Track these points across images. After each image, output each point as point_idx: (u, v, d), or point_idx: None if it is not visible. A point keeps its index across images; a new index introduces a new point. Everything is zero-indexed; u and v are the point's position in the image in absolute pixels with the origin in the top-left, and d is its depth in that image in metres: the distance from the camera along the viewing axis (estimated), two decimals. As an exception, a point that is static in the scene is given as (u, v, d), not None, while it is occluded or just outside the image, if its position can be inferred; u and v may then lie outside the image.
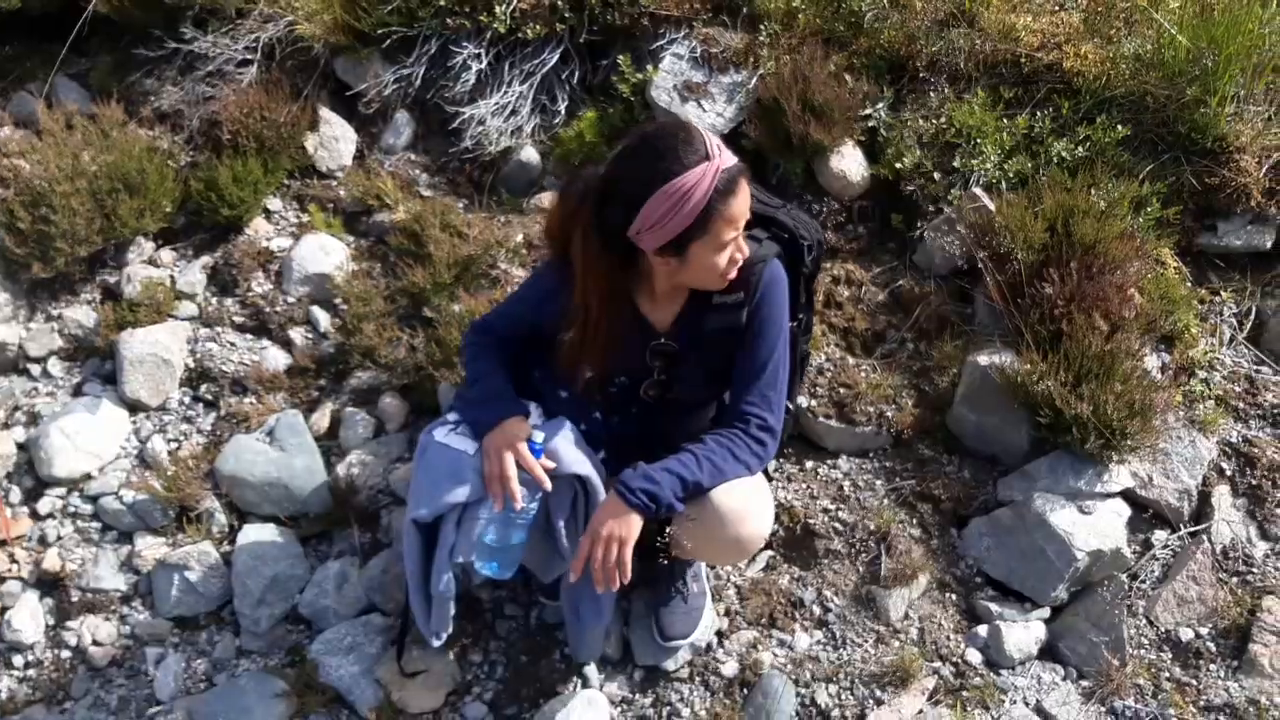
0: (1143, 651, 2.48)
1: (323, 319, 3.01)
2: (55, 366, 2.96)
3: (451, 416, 2.10)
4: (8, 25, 3.46)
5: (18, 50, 3.51)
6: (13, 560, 2.63)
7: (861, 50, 3.16)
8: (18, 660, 2.52)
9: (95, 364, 2.97)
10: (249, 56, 3.27)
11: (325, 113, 3.30)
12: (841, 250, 3.02)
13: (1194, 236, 2.95)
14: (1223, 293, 2.96)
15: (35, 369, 2.95)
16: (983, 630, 2.47)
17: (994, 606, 2.49)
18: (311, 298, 3.05)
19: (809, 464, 2.74)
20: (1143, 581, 2.56)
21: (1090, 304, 2.61)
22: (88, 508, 2.72)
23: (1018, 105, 3.04)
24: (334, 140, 3.29)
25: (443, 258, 2.94)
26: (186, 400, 2.92)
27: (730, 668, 2.39)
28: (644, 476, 1.94)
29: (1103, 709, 2.37)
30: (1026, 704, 2.36)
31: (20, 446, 2.80)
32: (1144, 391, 2.52)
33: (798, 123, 2.95)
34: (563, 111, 3.31)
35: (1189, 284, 2.91)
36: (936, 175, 2.96)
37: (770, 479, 2.67)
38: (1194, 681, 2.43)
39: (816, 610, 2.48)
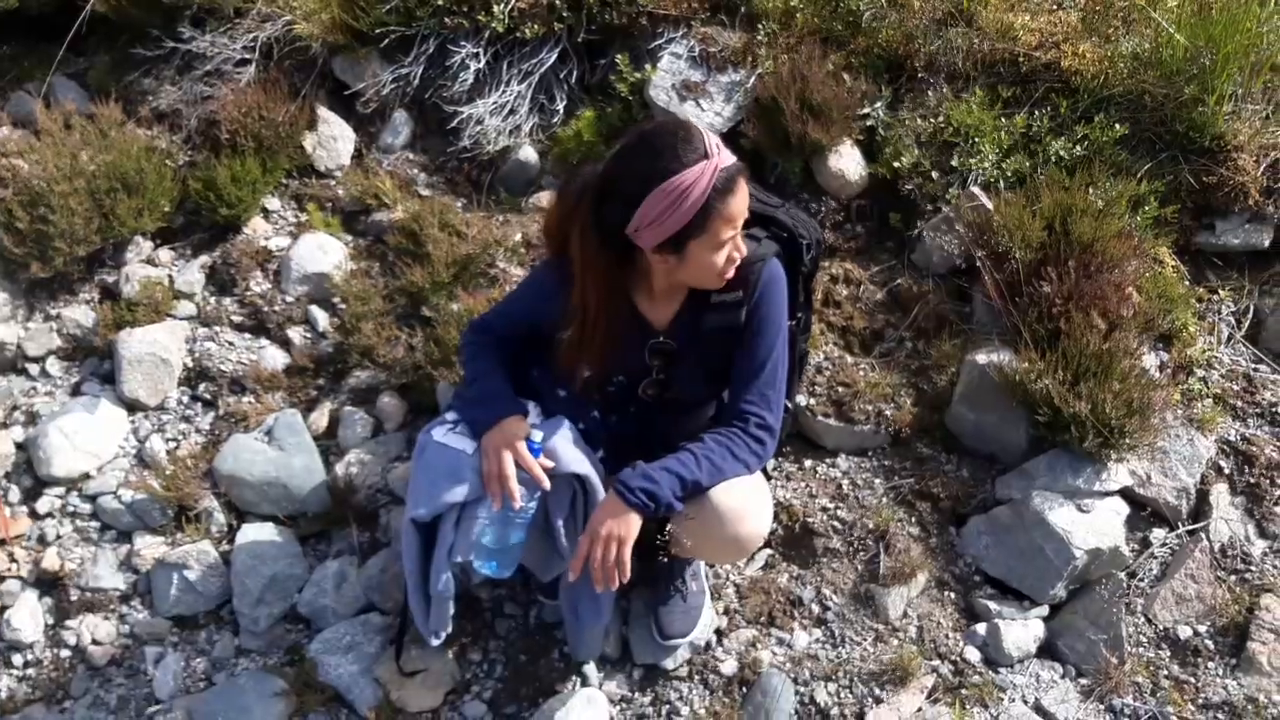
0: (1141, 649, 2.48)
1: (321, 318, 3.01)
2: (54, 366, 2.96)
3: (450, 416, 2.10)
4: (5, 25, 3.46)
5: (15, 50, 3.51)
6: (12, 559, 2.63)
7: (859, 49, 3.16)
8: (17, 659, 2.52)
9: (94, 363, 2.97)
10: (247, 56, 3.27)
11: (323, 112, 3.29)
12: (840, 249, 3.02)
13: (1192, 235, 2.95)
14: (1221, 291, 2.96)
15: (34, 368, 2.95)
16: (981, 628, 2.47)
17: (993, 605, 2.49)
18: (310, 297, 3.05)
19: (808, 463, 2.74)
20: (1141, 580, 2.57)
21: (1088, 303, 2.61)
22: (86, 507, 2.71)
23: (1016, 104, 3.04)
24: (332, 140, 3.29)
25: (441, 257, 2.94)
26: (185, 399, 2.92)
27: (729, 666, 2.39)
28: (643, 475, 1.94)
29: (1101, 707, 2.38)
30: (1025, 702, 2.36)
31: (19, 446, 2.80)
32: (1142, 390, 2.52)
33: (796, 122, 2.95)
34: (561, 111, 3.31)
35: (1187, 283, 2.91)
36: (934, 174, 2.96)
37: (769, 478, 2.67)
38: (1192, 679, 2.43)
39: (815, 609, 2.48)
